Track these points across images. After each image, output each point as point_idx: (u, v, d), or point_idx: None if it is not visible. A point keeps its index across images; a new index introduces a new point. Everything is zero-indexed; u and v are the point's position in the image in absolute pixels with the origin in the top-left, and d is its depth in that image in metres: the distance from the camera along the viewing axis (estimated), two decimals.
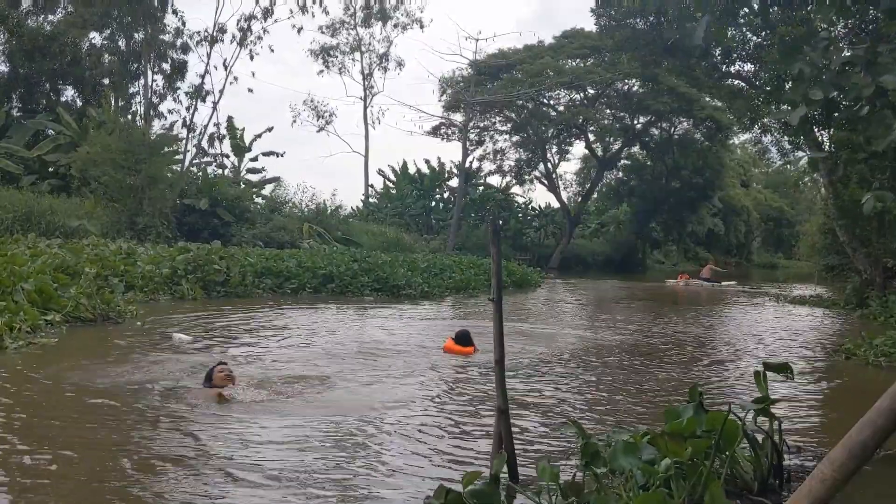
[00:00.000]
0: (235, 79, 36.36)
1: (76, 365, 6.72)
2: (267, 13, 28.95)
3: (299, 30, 33.57)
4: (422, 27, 40.78)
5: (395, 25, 41.03)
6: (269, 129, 35.42)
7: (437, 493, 3.23)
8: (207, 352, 7.85)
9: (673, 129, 39.78)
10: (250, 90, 41.10)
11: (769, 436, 3.76)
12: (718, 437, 3.18)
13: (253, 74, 35.12)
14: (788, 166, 47.72)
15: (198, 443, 4.50)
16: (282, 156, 35.35)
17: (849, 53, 4.21)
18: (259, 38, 29.32)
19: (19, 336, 7.69)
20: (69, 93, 31.99)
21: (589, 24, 31.07)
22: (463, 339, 8.28)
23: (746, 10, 16.64)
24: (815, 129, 17.23)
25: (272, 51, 31.50)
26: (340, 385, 6.39)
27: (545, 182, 41.25)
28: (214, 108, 29.04)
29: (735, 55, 18.60)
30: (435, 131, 38.75)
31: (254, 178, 34.39)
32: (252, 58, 29.84)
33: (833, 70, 4.05)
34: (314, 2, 30.86)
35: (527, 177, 41.40)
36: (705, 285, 27.29)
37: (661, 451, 3.29)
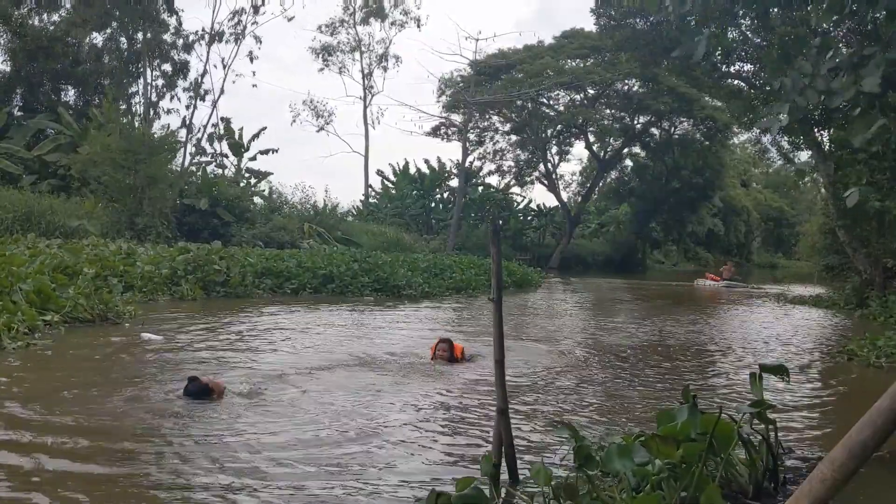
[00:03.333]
0: (239, 75, 36.35)
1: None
2: (257, 9, 29.02)
3: (290, 19, 33.39)
4: (419, 25, 40.86)
5: (393, 24, 41.10)
6: (263, 129, 35.40)
7: (428, 497, 3.22)
8: (201, 356, 7.83)
9: (673, 129, 39.81)
10: (254, 85, 41.05)
11: (765, 438, 3.74)
12: (710, 438, 3.17)
13: (253, 74, 35.06)
14: (788, 166, 47.72)
15: (185, 450, 4.49)
16: (276, 152, 35.39)
17: (837, 59, 4.22)
18: (256, 38, 29.35)
19: (17, 337, 7.68)
20: (70, 93, 32.05)
21: (589, 24, 31.11)
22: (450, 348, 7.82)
23: (746, 10, 16.64)
24: (815, 130, 17.25)
25: (258, 40, 31.21)
26: (337, 385, 6.38)
27: (545, 182, 41.30)
28: (214, 107, 29.10)
29: (735, 55, 18.60)
30: (435, 131, 38.81)
31: (250, 175, 34.46)
32: (252, 60, 29.82)
33: (821, 76, 4.06)
34: None
35: (527, 177, 41.44)
36: (720, 284, 27.00)
37: (652, 454, 3.28)
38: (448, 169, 41.73)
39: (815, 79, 3.88)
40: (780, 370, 3.90)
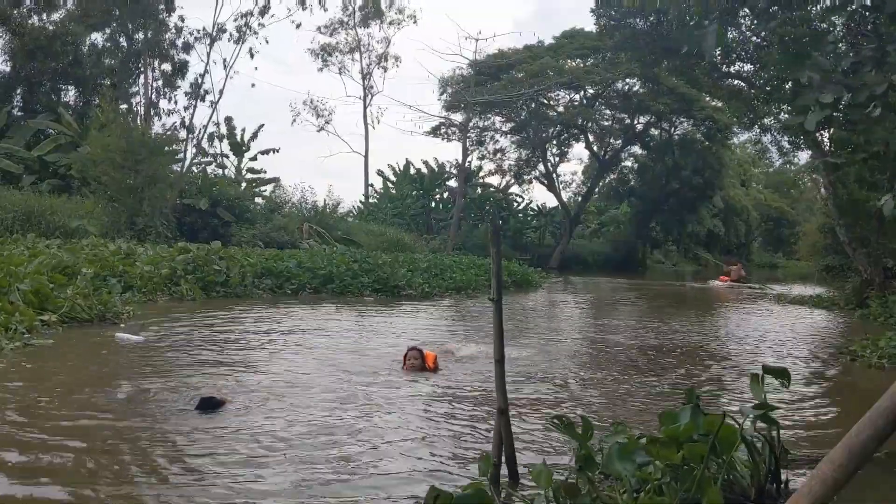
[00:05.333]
0: (237, 72, 36.31)
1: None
2: (264, 11, 29.07)
3: (298, 25, 33.60)
4: (415, 22, 40.98)
5: (391, 23, 41.20)
6: (261, 127, 35.46)
7: (427, 496, 3.21)
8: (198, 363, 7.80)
9: (673, 129, 39.80)
10: (253, 85, 41.18)
11: (768, 441, 3.72)
12: (713, 440, 3.15)
13: (255, 69, 35.24)
14: (789, 166, 47.74)
15: (188, 450, 4.45)
16: (277, 151, 35.41)
17: (857, 55, 4.18)
18: (255, 33, 29.43)
19: (15, 337, 7.66)
20: (70, 93, 32.05)
21: (589, 24, 31.17)
22: (421, 356, 7.32)
23: (747, 10, 16.64)
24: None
25: (267, 42, 31.50)
26: (337, 385, 6.36)
27: (545, 182, 41.29)
28: (214, 108, 29.08)
29: (735, 55, 18.59)
30: (435, 131, 38.78)
31: (253, 177, 34.48)
32: (252, 56, 29.91)
33: (842, 72, 4.03)
34: None
35: (526, 177, 41.44)
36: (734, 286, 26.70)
37: (653, 455, 3.26)
38: (448, 169, 41.78)
39: (836, 74, 3.85)
40: (782, 373, 3.87)
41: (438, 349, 8.21)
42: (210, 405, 5.28)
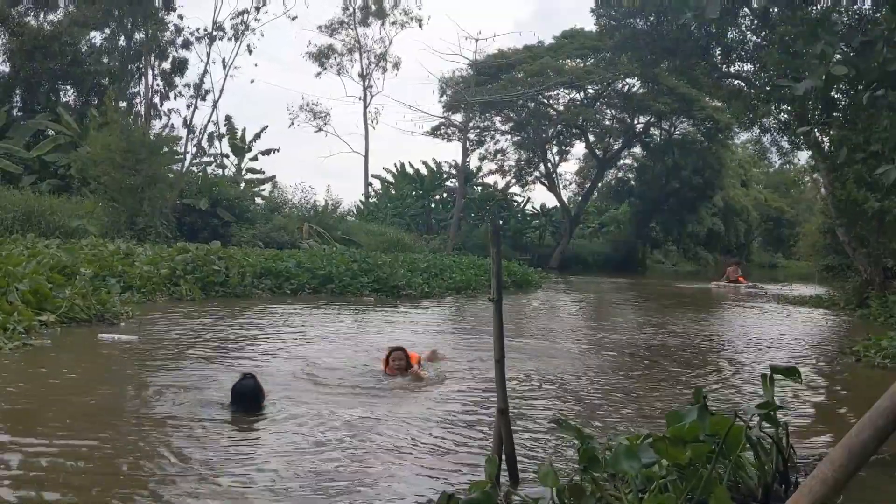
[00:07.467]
0: (237, 67, 36.28)
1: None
2: (259, 7, 29.18)
3: (293, 18, 33.58)
4: (420, 25, 40.84)
5: (394, 24, 41.10)
6: (264, 129, 35.39)
7: (439, 499, 3.19)
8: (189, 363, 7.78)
9: (673, 129, 39.74)
10: (252, 81, 41.31)
11: (774, 441, 3.70)
12: (723, 442, 3.13)
13: (255, 65, 35.20)
14: (787, 166, 47.69)
15: (186, 462, 4.36)
16: (277, 151, 35.36)
17: (867, 34, 4.15)
18: (253, 31, 29.53)
19: (14, 336, 7.65)
20: (69, 93, 32.04)
21: (589, 24, 31.12)
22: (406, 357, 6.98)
23: (747, 10, 16.66)
24: (815, 131, 17.22)
25: (263, 35, 31.61)
26: (338, 384, 6.34)
27: (545, 182, 41.22)
28: (214, 107, 29.06)
29: (735, 55, 18.59)
30: (435, 131, 38.70)
31: (253, 177, 34.47)
32: (250, 51, 29.97)
33: (851, 50, 4.00)
34: None
35: (527, 177, 41.38)
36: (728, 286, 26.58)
37: (661, 455, 3.24)
38: (446, 171, 41.69)
39: (844, 55, 3.81)
40: (792, 372, 3.85)
41: None
42: (251, 392, 5.21)
